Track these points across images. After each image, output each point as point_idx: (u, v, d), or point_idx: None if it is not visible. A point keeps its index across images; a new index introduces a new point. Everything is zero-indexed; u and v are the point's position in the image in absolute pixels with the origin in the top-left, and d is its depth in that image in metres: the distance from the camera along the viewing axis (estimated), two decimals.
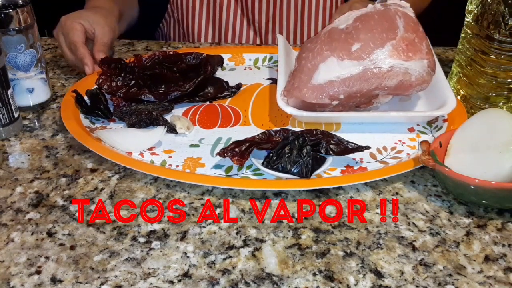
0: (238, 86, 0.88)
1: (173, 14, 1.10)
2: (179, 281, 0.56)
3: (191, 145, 0.75)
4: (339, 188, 0.68)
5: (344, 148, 0.69)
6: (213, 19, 1.07)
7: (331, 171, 0.70)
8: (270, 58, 0.97)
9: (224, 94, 0.86)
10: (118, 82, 0.82)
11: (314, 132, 0.71)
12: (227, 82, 0.88)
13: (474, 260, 0.58)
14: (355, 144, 0.70)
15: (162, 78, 0.84)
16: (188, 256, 0.58)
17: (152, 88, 0.82)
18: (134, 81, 0.82)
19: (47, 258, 0.58)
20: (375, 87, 0.75)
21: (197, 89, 0.84)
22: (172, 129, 0.77)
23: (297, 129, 0.74)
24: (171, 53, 0.89)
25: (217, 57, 0.93)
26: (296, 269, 0.57)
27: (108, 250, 0.59)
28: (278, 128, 0.74)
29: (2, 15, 0.76)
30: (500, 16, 0.73)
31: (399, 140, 0.76)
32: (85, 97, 0.82)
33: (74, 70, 0.96)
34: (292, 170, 0.67)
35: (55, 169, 0.72)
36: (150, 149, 0.74)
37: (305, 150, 0.68)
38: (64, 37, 0.90)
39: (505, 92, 0.78)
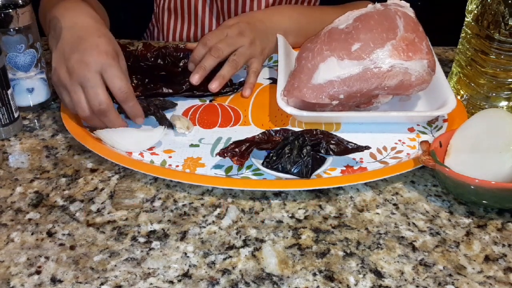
0: (241, 83, 0.88)
1: (157, 25, 1.10)
2: (179, 281, 0.56)
3: (191, 145, 0.75)
4: (339, 188, 0.68)
5: (344, 148, 0.69)
6: (195, 37, 1.07)
7: (331, 171, 0.70)
8: (270, 58, 0.97)
9: (226, 90, 0.87)
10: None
11: (314, 132, 0.71)
12: (231, 80, 0.88)
13: (474, 260, 0.58)
14: (355, 144, 0.70)
15: (166, 73, 0.85)
16: (188, 256, 0.58)
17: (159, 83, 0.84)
18: (143, 77, 0.83)
19: (47, 258, 0.58)
20: (375, 87, 0.75)
21: (199, 85, 0.84)
22: (169, 125, 0.77)
23: (297, 129, 0.74)
24: (181, 47, 0.89)
25: None
26: (296, 269, 0.57)
27: (108, 250, 0.59)
28: (278, 128, 0.74)
29: (2, 15, 0.76)
30: (500, 16, 0.73)
31: (399, 140, 0.76)
32: None
33: None
34: (292, 170, 0.67)
35: (55, 169, 0.72)
36: (150, 149, 0.74)
37: (305, 150, 0.68)
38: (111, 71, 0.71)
39: (505, 92, 0.78)
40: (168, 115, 0.80)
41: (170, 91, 0.84)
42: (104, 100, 0.70)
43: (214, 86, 0.83)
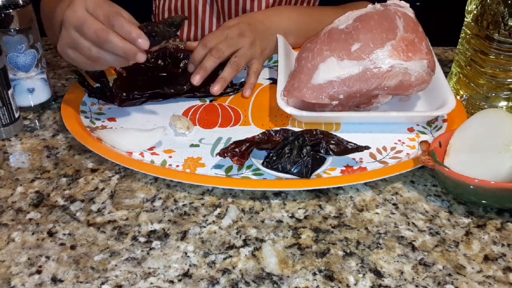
0: (242, 84, 0.89)
1: None
2: (179, 280, 0.56)
3: (191, 145, 0.75)
4: (339, 188, 0.68)
5: (344, 148, 0.69)
6: (195, 37, 1.07)
7: (331, 171, 0.70)
8: (270, 58, 0.97)
9: (227, 90, 0.87)
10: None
11: (314, 132, 0.71)
12: (231, 81, 0.88)
13: (474, 260, 0.58)
14: (355, 144, 0.70)
15: (167, 74, 0.85)
16: (188, 256, 0.59)
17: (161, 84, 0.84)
18: (145, 78, 0.84)
19: (47, 258, 0.58)
20: (375, 87, 0.75)
21: (199, 85, 0.84)
22: (173, 33, 0.74)
23: (297, 129, 0.74)
24: (182, 47, 0.89)
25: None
26: (296, 269, 0.57)
27: (108, 250, 0.59)
28: (278, 128, 0.74)
29: (3, 15, 0.76)
30: (500, 16, 0.73)
31: (399, 140, 0.76)
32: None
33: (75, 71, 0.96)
34: (292, 170, 0.67)
35: (55, 169, 0.72)
36: (150, 149, 0.74)
37: (305, 150, 0.68)
38: (85, 20, 0.69)
39: (505, 92, 0.78)
40: (158, 111, 0.80)
41: (172, 91, 0.84)
42: (98, 27, 0.68)
43: (216, 88, 0.84)
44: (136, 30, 0.69)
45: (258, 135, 0.73)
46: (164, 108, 0.84)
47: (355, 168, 0.70)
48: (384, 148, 0.74)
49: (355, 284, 0.55)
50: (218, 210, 0.65)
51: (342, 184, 0.67)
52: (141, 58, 0.70)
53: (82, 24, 0.69)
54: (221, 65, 0.86)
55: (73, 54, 0.73)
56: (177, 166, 0.71)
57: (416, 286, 0.55)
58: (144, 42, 0.69)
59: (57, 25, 0.77)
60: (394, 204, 0.66)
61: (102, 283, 0.55)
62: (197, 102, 0.85)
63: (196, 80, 0.83)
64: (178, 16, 0.74)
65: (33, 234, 0.62)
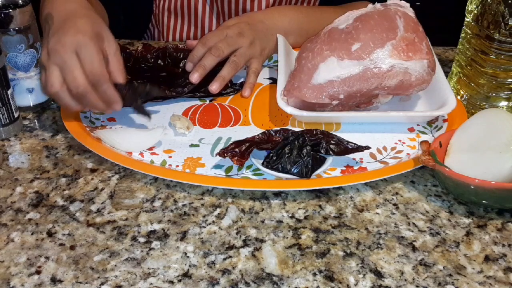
0: (242, 84, 0.88)
1: (157, 25, 1.10)
2: (179, 281, 0.56)
3: (191, 145, 0.75)
4: (339, 188, 0.68)
5: (344, 148, 0.69)
6: (195, 37, 1.07)
7: (331, 171, 0.70)
8: (270, 58, 0.97)
9: (227, 91, 0.87)
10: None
11: (314, 132, 0.71)
12: (231, 81, 0.88)
13: (474, 260, 0.58)
14: (355, 144, 0.70)
15: (167, 74, 0.85)
16: (188, 256, 0.58)
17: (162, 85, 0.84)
18: (146, 80, 0.83)
19: (47, 258, 0.58)
20: (375, 87, 0.75)
21: (199, 85, 0.84)
22: (146, 114, 0.77)
23: (297, 129, 0.74)
24: (181, 47, 0.89)
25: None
26: (296, 269, 0.57)
27: (108, 250, 0.59)
28: (278, 128, 0.74)
29: (2, 15, 0.76)
30: (500, 16, 0.73)
31: (399, 140, 0.76)
32: None
33: None
34: (292, 170, 0.67)
35: (55, 169, 0.72)
36: (150, 149, 0.74)
37: (305, 150, 0.68)
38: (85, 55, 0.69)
39: (505, 92, 0.78)
40: (158, 111, 0.80)
41: (174, 94, 0.83)
42: (81, 83, 0.68)
43: (214, 87, 0.84)
44: (116, 97, 0.72)
45: (258, 135, 0.73)
46: (164, 108, 0.83)
47: (355, 168, 0.70)
48: (385, 148, 0.74)
49: (355, 285, 0.55)
50: (218, 210, 0.65)
51: (342, 184, 0.67)
52: (108, 112, 0.75)
53: (67, 70, 0.68)
54: (221, 65, 0.86)
55: (42, 75, 0.72)
56: (177, 166, 0.71)
57: (417, 286, 0.55)
58: (117, 106, 0.73)
59: (42, 22, 0.77)
60: (394, 204, 0.66)
61: (102, 284, 0.55)
62: (197, 102, 0.85)
63: (195, 78, 0.82)
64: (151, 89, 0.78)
65: (32, 234, 0.61)
